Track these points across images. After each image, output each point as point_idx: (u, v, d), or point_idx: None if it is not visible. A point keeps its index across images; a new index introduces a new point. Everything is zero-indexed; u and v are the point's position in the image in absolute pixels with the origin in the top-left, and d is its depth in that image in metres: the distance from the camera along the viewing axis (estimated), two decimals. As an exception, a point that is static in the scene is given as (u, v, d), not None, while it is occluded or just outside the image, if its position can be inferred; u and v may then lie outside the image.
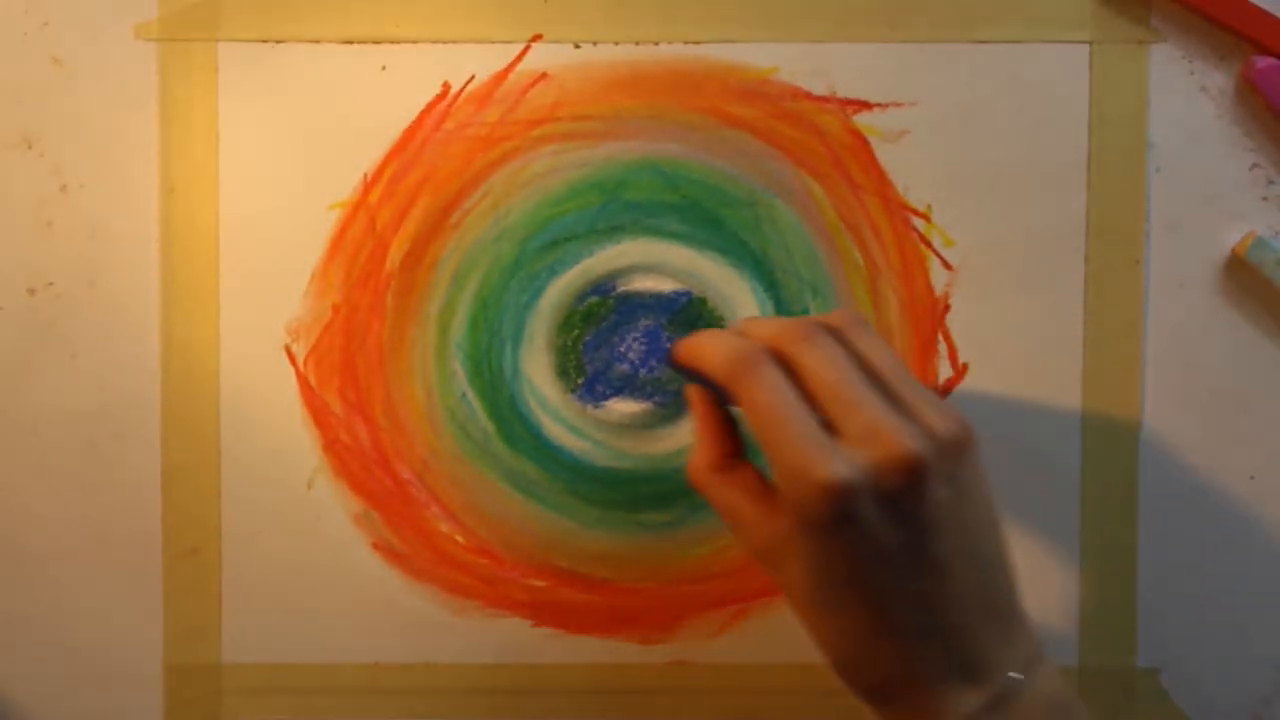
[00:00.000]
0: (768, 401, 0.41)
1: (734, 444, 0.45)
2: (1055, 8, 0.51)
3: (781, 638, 0.53)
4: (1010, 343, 0.52)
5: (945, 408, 0.42)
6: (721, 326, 0.52)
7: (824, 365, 0.42)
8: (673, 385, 0.53)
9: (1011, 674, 0.42)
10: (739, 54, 0.52)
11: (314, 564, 0.53)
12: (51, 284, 0.53)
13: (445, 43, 0.52)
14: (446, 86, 0.52)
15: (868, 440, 0.40)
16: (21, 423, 0.53)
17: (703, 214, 0.52)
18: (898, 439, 0.40)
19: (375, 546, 0.53)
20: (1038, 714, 0.42)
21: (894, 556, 0.41)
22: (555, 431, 0.53)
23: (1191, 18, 0.52)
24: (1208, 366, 0.52)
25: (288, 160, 0.52)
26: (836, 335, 0.43)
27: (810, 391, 0.42)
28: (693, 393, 0.47)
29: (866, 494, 0.40)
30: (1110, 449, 0.52)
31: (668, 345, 0.52)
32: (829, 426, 0.41)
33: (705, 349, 0.44)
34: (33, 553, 0.53)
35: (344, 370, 0.53)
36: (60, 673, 0.54)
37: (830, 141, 0.52)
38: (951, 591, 0.41)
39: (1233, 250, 0.52)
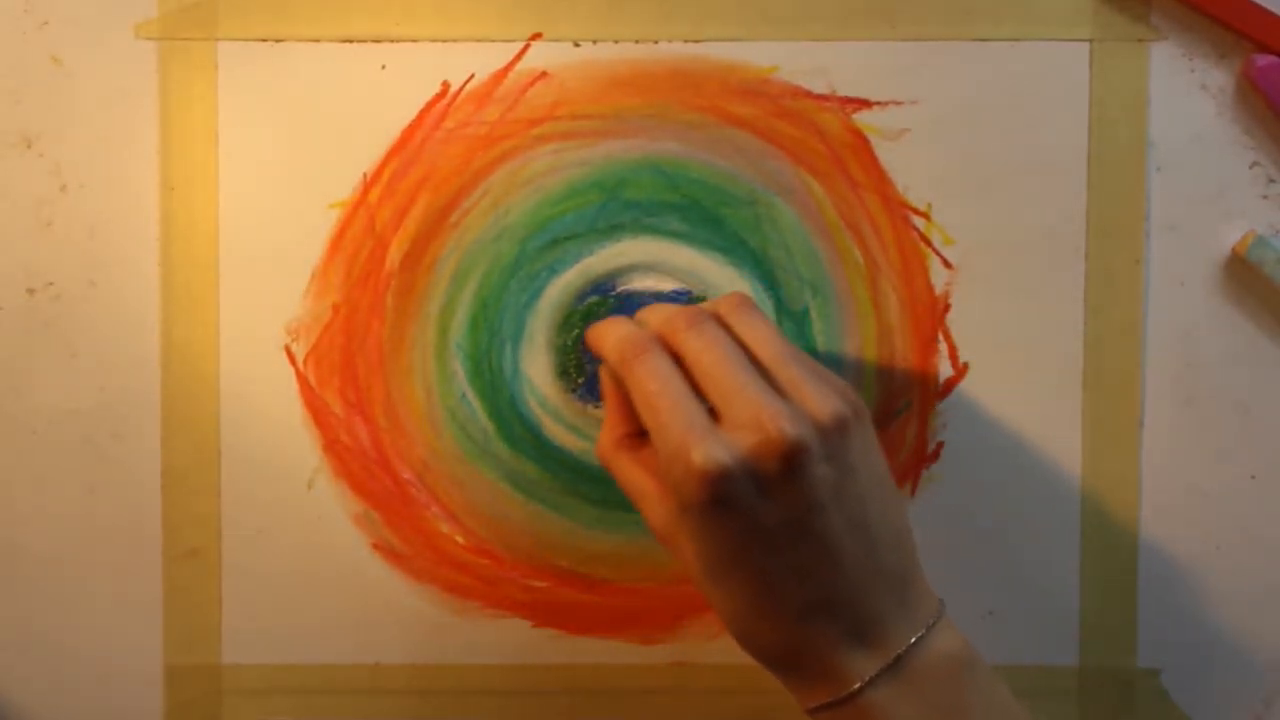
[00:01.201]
0: (651, 388, 0.43)
1: (640, 424, 0.46)
2: (1055, 6, 0.51)
3: (782, 637, 0.53)
4: (1010, 342, 0.52)
5: (830, 387, 0.43)
6: (721, 325, 0.52)
7: (706, 352, 0.43)
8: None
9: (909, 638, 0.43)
10: (739, 52, 0.52)
11: (314, 564, 0.53)
12: (51, 284, 0.53)
13: (445, 42, 0.52)
14: (446, 85, 0.52)
15: (746, 425, 0.41)
16: (21, 422, 0.53)
17: (703, 213, 0.52)
18: (775, 424, 0.41)
19: (375, 547, 0.53)
20: (938, 673, 0.43)
21: (775, 535, 0.42)
22: (555, 431, 0.53)
23: (1192, 16, 0.52)
24: (1208, 366, 0.52)
25: (287, 159, 0.52)
26: (722, 321, 0.45)
27: (695, 378, 0.43)
28: (603, 373, 0.48)
29: (743, 478, 0.41)
30: (1110, 449, 0.52)
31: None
32: (713, 413, 0.42)
33: (603, 334, 0.46)
34: (33, 553, 0.53)
35: (344, 370, 0.53)
36: (60, 673, 0.54)
37: (830, 140, 0.52)
38: (839, 564, 0.42)
39: (1233, 249, 0.52)
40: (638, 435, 0.46)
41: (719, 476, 0.40)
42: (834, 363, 0.52)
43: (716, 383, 0.42)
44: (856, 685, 0.42)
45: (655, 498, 0.44)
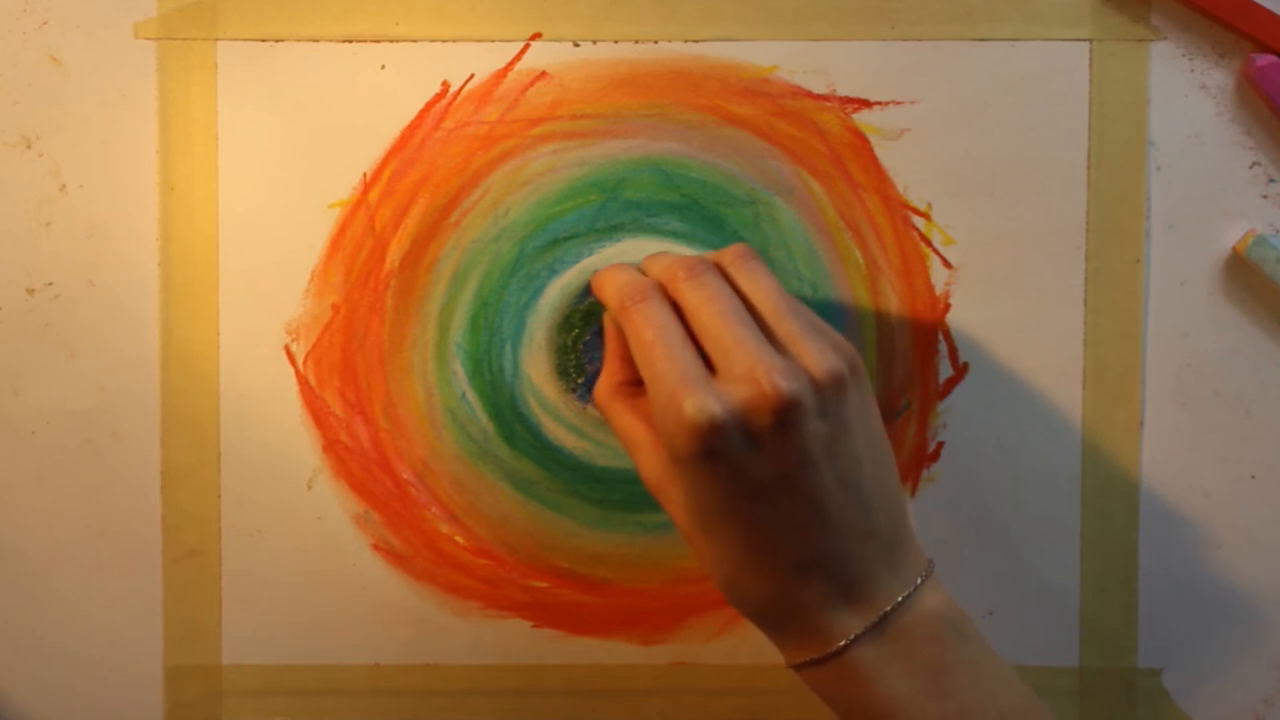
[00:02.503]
0: (647, 336, 0.43)
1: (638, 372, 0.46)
2: (1055, 5, 0.52)
3: (782, 637, 0.53)
4: (1010, 342, 0.52)
5: (828, 342, 0.43)
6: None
7: (706, 303, 0.43)
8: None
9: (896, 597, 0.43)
10: (739, 52, 0.52)
11: (314, 565, 0.53)
12: (51, 284, 0.53)
13: (444, 41, 0.52)
14: (446, 85, 0.52)
15: (741, 379, 0.41)
16: (21, 423, 0.53)
17: (702, 213, 0.52)
18: (770, 378, 0.41)
19: (375, 547, 0.53)
20: (923, 632, 0.43)
21: (766, 489, 0.42)
22: (555, 431, 0.53)
23: (1192, 15, 0.52)
24: (1208, 366, 0.52)
25: (287, 159, 0.52)
26: (725, 271, 0.45)
27: (693, 329, 0.43)
28: (607, 320, 0.48)
29: (735, 431, 0.41)
30: (1110, 449, 0.52)
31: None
32: (709, 363, 0.42)
33: (604, 281, 0.46)
34: (32, 554, 0.53)
35: (344, 370, 0.53)
36: (60, 674, 0.54)
37: (830, 140, 0.52)
38: (829, 520, 0.42)
39: (1233, 248, 0.52)
40: (635, 383, 0.46)
41: (710, 428, 0.40)
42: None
43: (713, 334, 0.42)
44: (841, 643, 0.42)
45: (648, 446, 0.44)
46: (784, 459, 0.41)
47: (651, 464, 0.44)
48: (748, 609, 0.44)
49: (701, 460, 0.41)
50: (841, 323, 0.52)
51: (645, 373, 0.43)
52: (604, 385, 0.47)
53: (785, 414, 0.41)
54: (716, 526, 0.43)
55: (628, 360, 0.46)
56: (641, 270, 0.46)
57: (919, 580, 0.43)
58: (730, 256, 0.45)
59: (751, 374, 0.41)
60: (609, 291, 0.46)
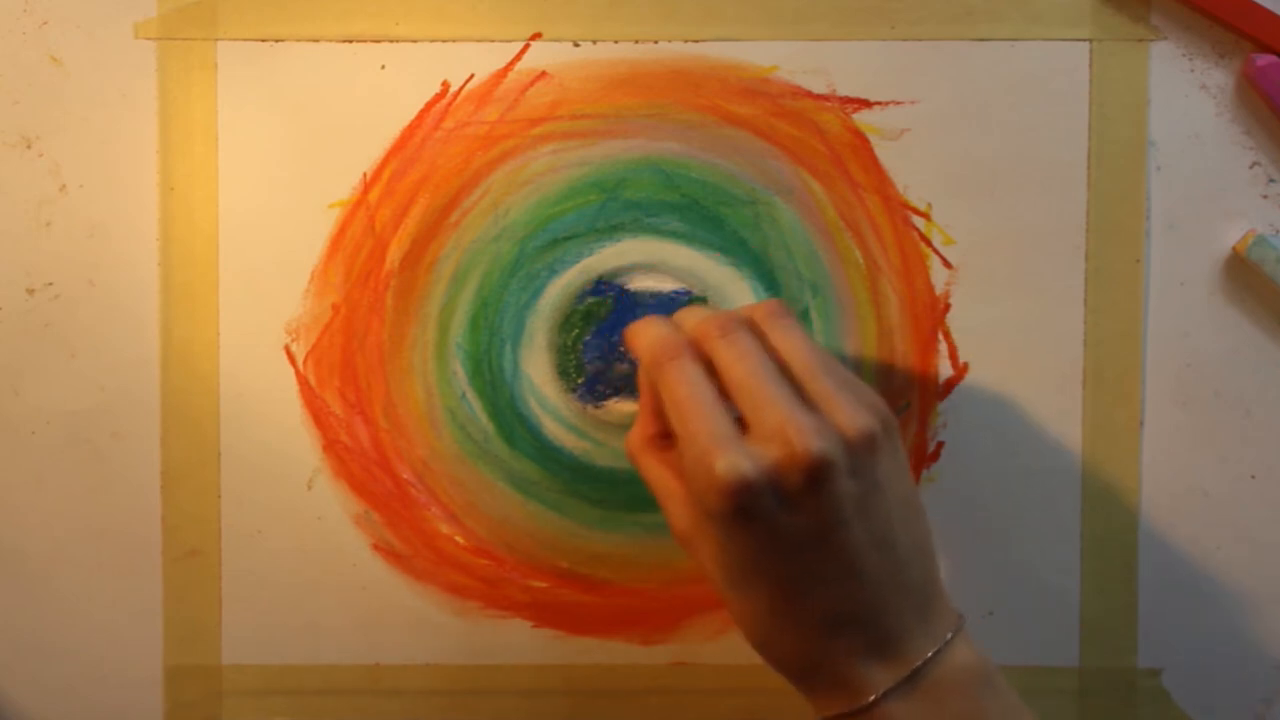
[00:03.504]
0: (681, 394, 0.43)
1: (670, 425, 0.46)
2: (1055, 5, 0.52)
3: (782, 637, 0.53)
4: (1010, 342, 0.52)
5: (860, 400, 0.43)
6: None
7: (738, 361, 0.43)
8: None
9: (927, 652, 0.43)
10: (739, 52, 0.52)
11: (314, 565, 0.53)
12: (50, 284, 0.53)
13: (444, 41, 0.52)
14: (446, 85, 0.52)
15: (773, 438, 0.41)
16: (21, 423, 0.53)
17: (702, 213, 0.52)
18: (802, 438, 0.41)
19: (375, 547, 0.53)
20: (953, 687, 0.43)
21: (798, 547, 0.42)
22: (555, 431, 0.53)
23: (1191, 15, 0.52)
24: (1208, 366, 0.52)
25: (287, 159, 0.52)
26: (756, 328, 0.45)
27: (725, 386, 0.43)
28: (641, 373, 0.48)
29: (766, 490, 0.41)
30: (1110, 449, 0.52)
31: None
32: (741, 422, 0.42)
33: (638, 335, 0.46)
34: (32, 554, 0.53)
35: (344, 370, 0.53)
36: (60, 674, 0.54)
37: (830, 140, 0.52)
38: (862, 578, 0.42)
39: (1233, 248, 0.52)
40: (666, 436, 0.46)
41: (741, 488, 0.40)
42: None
43: (746, 392, 0.42)
44: (872, 697, 0.42)
45: (679, 500, 0.44)
46: (816, 518, 0.41)
47: (682, 517, 0.44)
48: (778, 663, 0.44)
49: (733, 518, 0.41)
50: (842, 323, 0.52)
51: (678, 430, 0.43)
52: (636, 437, 0.47)
53: (817, 473, 0.41)
54: (747, 582, 0.43)
55: (659, 413, 0.46)
56: (675, 324, 0.46)
57: (949, 635, 0.43)
58: (762, 313, 0.45)
59: (783, 433, 0.41)
60: (642, 346, 0.46)
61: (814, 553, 0.42)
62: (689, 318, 0.46)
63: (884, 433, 0.43)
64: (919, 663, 0.42)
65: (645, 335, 0.46)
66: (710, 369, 0.44)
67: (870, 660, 0.42)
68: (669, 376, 0.44)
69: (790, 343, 0.44)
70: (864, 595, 0.42)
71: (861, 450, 0.42)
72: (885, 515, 0.43)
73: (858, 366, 0.52)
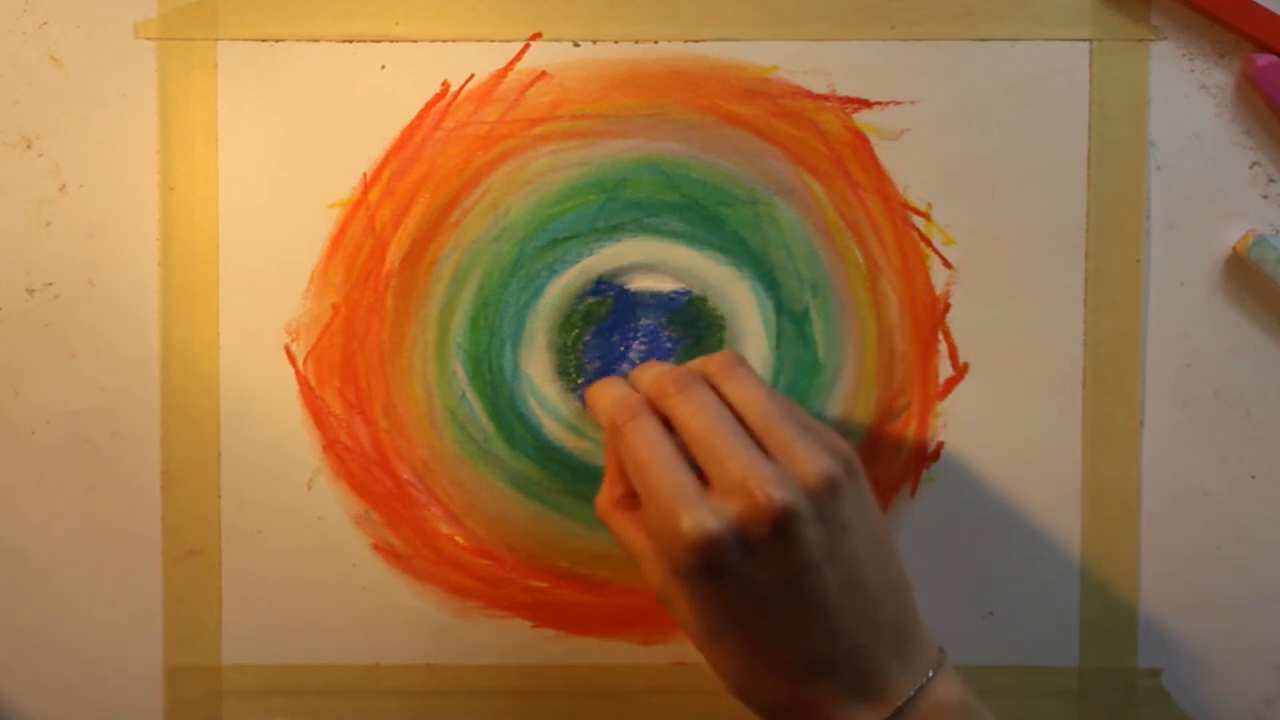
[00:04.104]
0: (641, 454, 0.43)
1: None
2: (1055, 5, 0.52)
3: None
4: (1010, 342, 0.52)
5: (820, 444, 0.43)
6: (721, 325, 0.52)
7: (694, 417, 0.43)
8: None
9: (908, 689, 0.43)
10: (738, 52, 0.52)
11: (314, 565, 0.53)
12: (50, 284, 0.53)
13: (444, 41, 0.52)
14: (446, 85, 0.52)
15: (734, 491, 0.41)
16: (21, 423, 0.53)
17: (702, 213, 0.52)
18: (763, 490, 0.41)
19: (375, 547, 0.53)
20: None
21: (768, 597, 0.42)
22: (555, 431, 0.53)
23: (1192, 15, 0.52)
24: (1208, 366, 0.52)
25: (287, 159, 0.52)
26: (711, 381, 0.45)
27: (685, 443, 0.43)
28: (604, 435, 0.48)
29: (732, 544, 0.41)
30: (1110, 449, 0.52)
31: (668, 348, 0.52)
32: (703, 477, 0.42)
33: (595, 398, 0.47)
34: (32, 554, 0.53)
35: (344, 370, 0.53)
36: (60, 674, 0.54)
37: (830, 140, 0.52)
38: (834, 621, 0.42)
39: (1233, 248, 0.52)
40: (634, 495, 0.46)
41: (707, 544, 0.41)
42: (833, 373, 0.52)
43: (705, 447, 0.43)
44: None
45: (651, 557, 0.44)
46: (784, 567, 0.41)
47: (656, 575, 0.44)
48: (762, 711, 0.44)
49: (702, 574, 0.41)
50: (842, 323, 0.52)
51: (641, 490, 0.43)
52: (604, 498, 0.47)
53: (781, 524, 0.41)
54: (723, 635, 0.43)
55: (625, 474, 0.46)
56: (631, 383, 0.47)
57: (930, 672, 0.43)
58: (716, 365, 0.46)
59: (744, 486, 0.41)
60: (600, 409, 0.46)
61: (785, 601, 0.42)
62: (644, 375, 0.47)
63: (846, 474, 0.43)
64: (900, 702, 0.43)
65: (603, 398, 0.46)
66: (669, 426, 0.44)
67: (852, 702, 0.43)
68: (629, 438, 0.44)
69: (745, 393, 0.44)
70: (839, 639, 0.42)
71: (824, 495, 0.42)
72: (853, 557, 0.43)
73: (858, 367, 0.52)
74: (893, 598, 0.44)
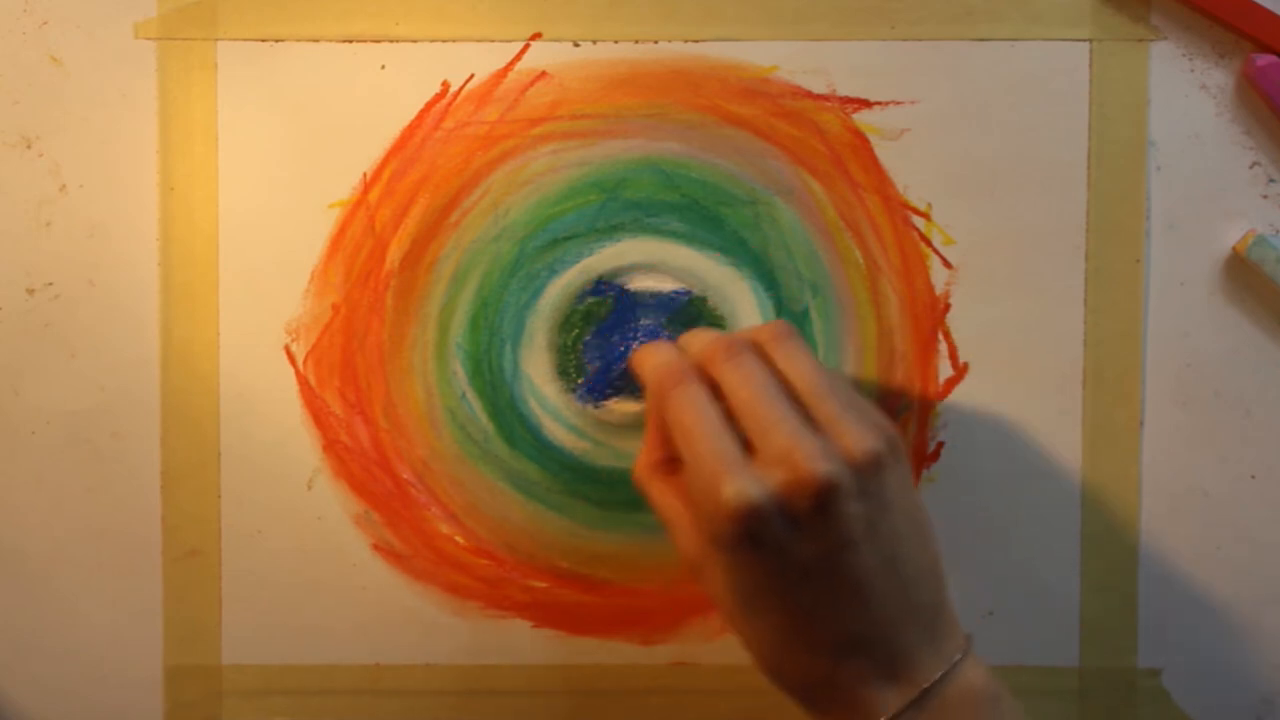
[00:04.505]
0: (686, 419, 0.43)
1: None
2: (1055, 5, 0.52)
3: (782, 637, 0.53)
4: (1010, 342, 0.52)
5: (866, 422, 0.42)
6: (722, 325, 0.52)
7: (743, 384, 0.43)
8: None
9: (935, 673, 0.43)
10: (738, 52, 0.52)
11: (314, 565, 0.53)
12: (50, 284, 0.53)
13: (444, 41, 0.52)
14: (446, 85, 0.52)
15: (779, 462, 0.41)
16: (21, 423, 0.53)
17: (702, 213, 0.52)
18: (808, 462, 0.41)
19: (375, 547, 0.53)
20: (961, 707, 0.43)
21: (807, 571, 0.42)
22: (555, 431, 0.53)
23: (1192, 15, 0.52)
24: (1208, 366, 0.52)
25: (287, 159, 0.52)
26: (762, 350, 0.45)
27: (731, 410, 0.43)
28: (647, 398, 0.48)
29: (774, 514, 0.41)
30: (1110, 449, 0.52)
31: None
32: (748, 446, 0.42)
33: (643, 360, 0.46)
34: (32, 554, 0.53)
35: (344, 370, 0.53)
36: (60, 674, 0.54)
37: (830, 140, 0.52)
38: (870, 600, 0.42)
39: (1233, 248, 0.52)
40: (674, 461, 0.46)
41: (749, 513, 0.41)
42: (831, 367, 0.52)
43: (752, 416, 0.42)
44: (882, 719, 0.42)
45: (687, 526, 0.44)
46: (823, 541, 0.41)
47: (690, 543, 0.44)
48: (789, 687, 0.44)
49: (741, 543, 0.41)
50: (842, 323, 0.52)
51: (685, 455, 0.43)
52: (643, 463, 0.47)
53: (824, 497, 0.41)
54: (756, 607, 0.43)
55: (665, 438, 0.46)
56: (680, 349, 0.46)
57: (958, 656, 0.43)
58: (767, 335, 0.45)
59: (790, 457, 0.41)
60: (647, 372, 0.46)
61: (822, 576, 0.42)
62: (694, 341, 0.46)
63: (890, 453, 0.42)
64: (928, 684, 0.42)
65: (650, 361, 0.46)
66: (716, 393, 0.44)
67: (880, 682, 0.42)
68: (674, 402, 0.43)
69: (796, 365, 0.44)
70: (873, 617, 0.42)
71: (868, 472, 0.42)
72: (893, 536, 0.42)
73: (858, 367, 0.52)
74: (928, 581, 0.44)
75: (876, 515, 0.42)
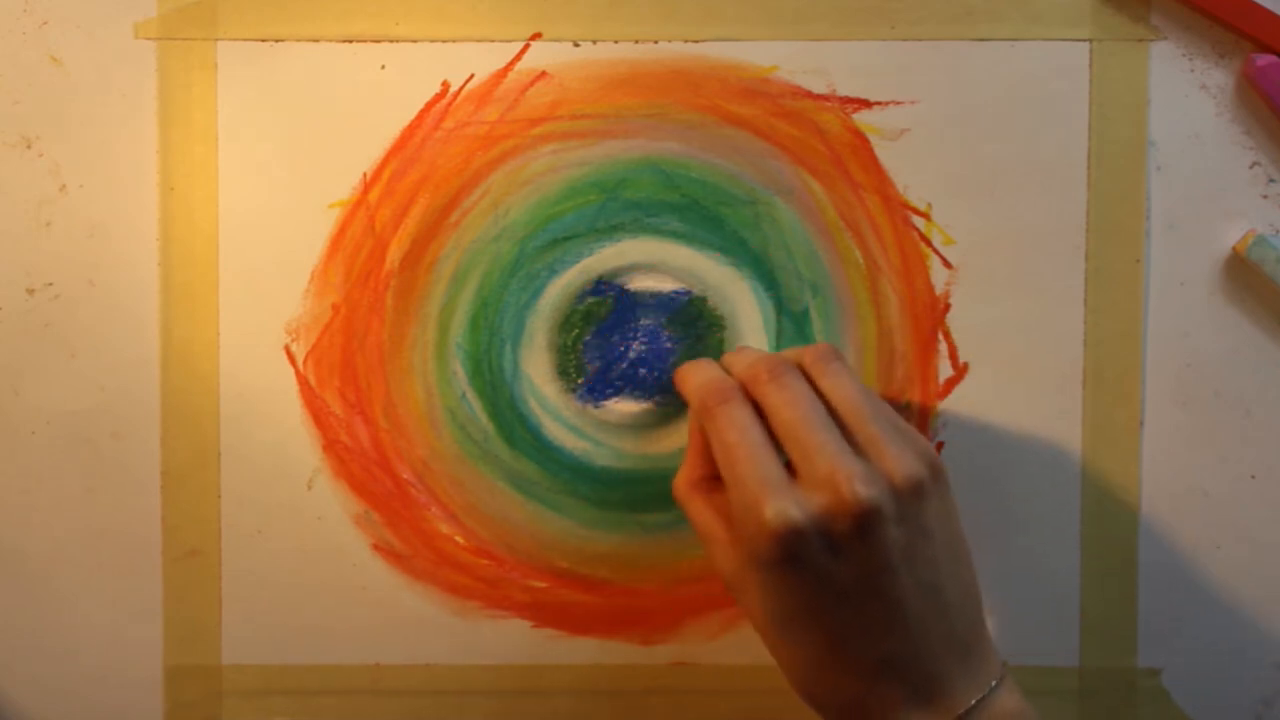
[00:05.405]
0: (730, 438, 0.43)
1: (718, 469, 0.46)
2: (1055, 5, 0.52)
3: (782, 637, 0.53)
4: (1010, 342, 0.52)
5: (909, 446, 0.43)
6: (722, 325, 0.52)
7: (787, 406, 0.43)
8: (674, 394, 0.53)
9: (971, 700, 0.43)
10: (738, 52, 0.52)
11: (314, 565, 0.53)
12: (50, 284, 0.53)
13: (444, 41, 0.52)
14: (446, 85, 0.52)
15: (822, 485, 0.41)
16: (21, 423, 0.53)
17: (702, 213, 0.52)
18: (850, 486, 0.41)
19: (375, 547, 0.53)
20: None
21: (846, 594, 0.42)
22: (555, 431, 0.53)
23: (1191, 15, 0.52)
24: (1208, 366, 0.52)
25: (287, 159, 0.52)
26: (806, 371, 0.45)
27: (774, 431, 0.43)
28: (690, 416, 0.48)
29: (814, 537, 0.41)
30: (1110, 449, 0.52)
31: (668, 348, 0.52)
32: (790, 467, 0.43)
33: (686, 379, 0.47)
34: (32, 554, 0.53)
35: (344, 370, 0.53)
36: (60, 674, 0.54)
37: (830, 140, 0.52)
38: (907, 624, 0.42)
39: (1233, 248, 0.52)
40: (714, 479, 0.46)
41: (790, 534, 0.41)
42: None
43: (795, 438, 0.43)
44: None
45: (725, 544, 0.44)
46: (863, 564, 0.41)
47: (729, 561, 0.44)
48: (823, 709, 0.44)
49: (781, 564, 0.42)
50: (842, 323, 0.52)
51: (726, 475, 0.43)
52: (683, 479, 0.47)
53: (865, 520, 0.41)
54: (794, 628, 0.43)
55: (707, 456, 0.46)
56: (724, 367, 0.47)
57: (994, 683, 0.43)
58: (812, 357, 0.46)
59: (832, 480, 0.41)
60: (691, 389, 0.46)
61: (861, 600, 0.42)
62: (739, 361, 0.46)
63: (932, 479, 0.43)
64: (962, 711, 0.43)
65: (695, 378, 0.46)
66: (760, 413, 0.44)
67: (914, 707, 0.43)
68: (718, 421, 0.44)
69: (840, 387, 0.44)
70: (910, 642, 0.42)
71: (909, 497, 0.42)
72: (932, 562, 0.43)
73: (858, 367, 0.52)
74: (965, 607, 0.44)
75: (916, 541, 0.42)
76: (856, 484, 0.41)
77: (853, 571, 0.42)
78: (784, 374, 0.44)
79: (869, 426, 0.43)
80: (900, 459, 0.42)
